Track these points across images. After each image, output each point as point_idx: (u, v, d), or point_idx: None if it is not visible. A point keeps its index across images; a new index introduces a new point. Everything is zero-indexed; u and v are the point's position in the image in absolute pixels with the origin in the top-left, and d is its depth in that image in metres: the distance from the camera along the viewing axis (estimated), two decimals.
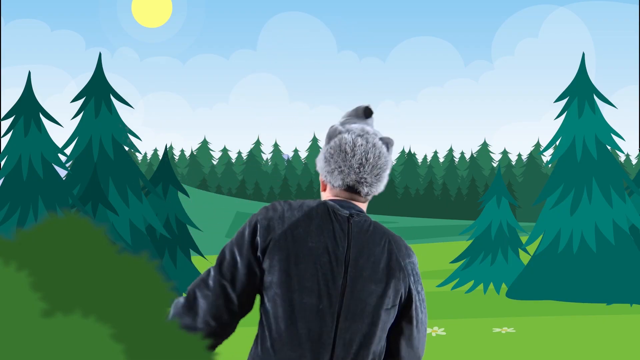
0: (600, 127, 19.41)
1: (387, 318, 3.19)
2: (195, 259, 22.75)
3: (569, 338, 10.41)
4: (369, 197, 3.33)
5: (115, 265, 1.45)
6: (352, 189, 3.26)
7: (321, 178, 3.38)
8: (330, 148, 3.29)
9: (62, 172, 18.95)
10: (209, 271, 3.21)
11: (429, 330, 11.02)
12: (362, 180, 3.25)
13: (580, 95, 19.49)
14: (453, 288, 21.06)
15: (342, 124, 3.37)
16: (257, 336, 3.16)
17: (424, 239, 49.09)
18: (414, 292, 3.24)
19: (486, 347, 9.69)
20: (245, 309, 3.18)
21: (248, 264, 3.15)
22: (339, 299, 3.13)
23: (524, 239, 21.41)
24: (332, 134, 3.31)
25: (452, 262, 22.00)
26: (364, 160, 3.25)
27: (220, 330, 3.16)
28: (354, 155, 3.25)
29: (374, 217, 3.43)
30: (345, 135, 3.28)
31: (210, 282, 3.18)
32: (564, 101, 19.64)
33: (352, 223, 3.21)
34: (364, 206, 3.33)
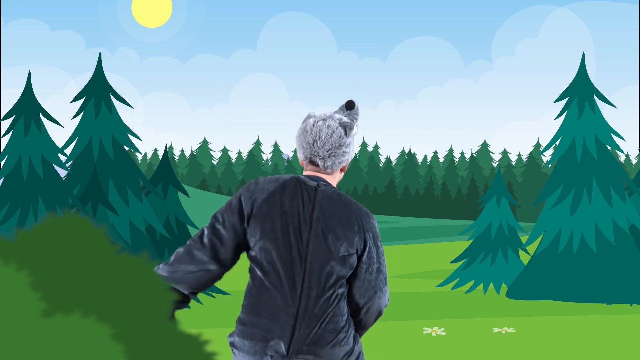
0: (600, 127, 19.41)
1: (345, 264, 4.04)
2: None
3: (569, 338, 10.40)
4: (330, 171, 4.18)
5: (115, 266, 1.45)
6: (313, 163, 4.17)
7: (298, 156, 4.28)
8: (299, 129, 4.22)
9: (62, 172, 18.95)
10: (203, 231, 4.08)
11: (428, 330, 11.02)
12: (316, 154, 4.13)
13: (580, 95, 19.49)
14: (453, 288, 21.06)
15: (324, 114, 4.25)
16: (252, 277, 4.04)
17: (424, 239, 49.09)
18: (370, 244, 4.10)
19: (486, 347, 9.68)
20: (232, 262, 4.08)
21: (234, 227, 4.05)
22: (305, 250, 4.01)
23: (524, 239, 21.41)
24: (304, 120, 4.24)
25: (452, 262, 22.00)
26: (317, 138, 4.13)
27: (211, 279, 4.07)
28: (310, 134, 4.15)
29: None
30: (310, 119, 4.19)
31: (205, 240, 4.05)
32: (564, 101, 19.64)
33: (318, 191, 4.10)
34: (330, 179, 4.20)
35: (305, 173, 4.21)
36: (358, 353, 4.14)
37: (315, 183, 4.12)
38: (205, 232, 4.06)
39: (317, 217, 4.05)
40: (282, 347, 3.95)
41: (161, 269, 4.05)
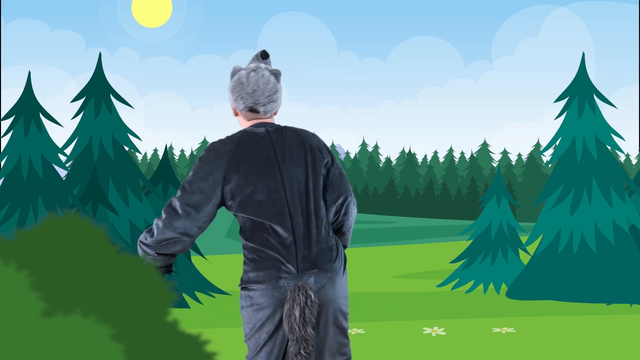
0: (600, 127, 19.41)
1: (317, 184, 4.62)
2: (195, 258, 22.75)
3: (569, 338, 10.41)
4: (269, 114, 4.69)
5: (115, 266, 1.45)
6: (254, 110, 4.66)
7: (231, 106, 4.73)
8: (233, 82, 4.68)
9: (62, 172, 18.95)
10: (173, 201, 4.58)
11: (428, 330, 11.03)
12: (257, 102, 4.64)
13: (580, 95, 19.49)
14: (453, 288, 21.07)
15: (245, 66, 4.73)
16: (250, 228, 4.54)
17: (424, 239, 49.08)
18: (327, 158, 4.68)
19: (486, 347, 9.68)
20: (207, 225, 4.63)
21: (207, 192, 4.55)
22: (283, 188, 4.55)
23: (524, 239, 21.40)
24: (233, 73, 4.70)
25: (452, 262, 22.01)
26: (256, 87, 4.62)
27: (190, 241, 4.61)
28: (248, 85, 4.63)
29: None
30: (242, 71, 4.67)
31: (180, 210, 4.56)
32: (564, 101, 19.63)
33: (270, 134, 4.62)
34: (270, 120, 4.71)
35: (248, 124, 4.70)
36: (344, 265, 4.70)
37: (264, 128, 4.64)
38: (178, 203, 4.58)
39: (281, 156, 4.59)
40: (292, 269, 4.49)
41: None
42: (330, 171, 4.68)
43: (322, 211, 4.62)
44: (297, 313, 4.47)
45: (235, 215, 4.60)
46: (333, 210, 4.67)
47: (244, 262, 4.62)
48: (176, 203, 4.56)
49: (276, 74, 4.71)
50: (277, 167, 4.56)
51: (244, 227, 4.59)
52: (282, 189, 4.56)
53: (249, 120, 4.67)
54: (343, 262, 4.66)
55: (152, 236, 4.58)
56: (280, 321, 4.54)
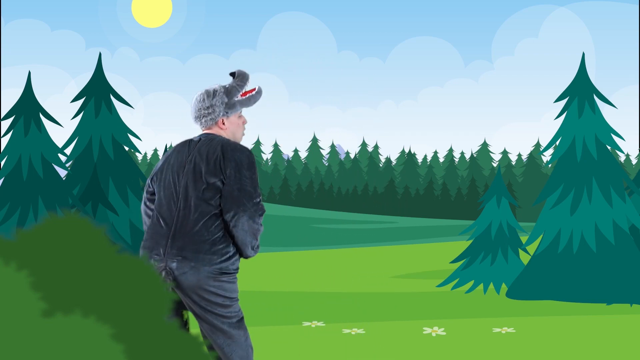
0: (600, 127, 19.41)
1: (208, 189, 5.38)
2: None
3: (569, 338, 10.41)
4: (207, 126, 5.60)
5: (115, 266, 1.45)
6: (198, 123, 5.64)
7: None
8: None
9: (62, 172, 18.95)
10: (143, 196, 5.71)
11: (428, 330, 11.03)
12: (195, 116, 5.63)
13: (580, 95, 19.49)
14: (453, 288, 21.06)
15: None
16: (151, 217, 5.57)
17: (424, 239, 49.07)
18: (231, 171, 5.33)
19: (486, 347, 9.68)
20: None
21: (149, 193, 5.66)
22: (178, 187, 5.43)
23: (524, 239, 21.41)
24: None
25: (452, 262, 22.00)
26: (193, 105, 5.62)
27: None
28: (191, 104, 5.66)
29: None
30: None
31: (144, 202, 5.73)
32: (564, 101, 19.63)
33: (198, 142, 5.50)
34: (216, 132, 5.60)
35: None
36: (229, 268, 5.40)
37: (199, 138, 5.54)
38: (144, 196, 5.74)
39: (190, 159, 5.43)
40: (160, 252, 5.34)
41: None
42: (225, 185, 5.35)
43: (208, 215, 5.35)
44: None
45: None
46: (226, 217, 5.35)
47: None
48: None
49: (208, 91, 5.62)
50: (183, 171, 5.47)
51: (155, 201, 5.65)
52: (178, 190, 5.47)
53: (201, 130, 5.65)
54: (223, 259, 5.33)
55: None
56: None
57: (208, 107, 5.55)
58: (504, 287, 20.70)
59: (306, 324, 13.14)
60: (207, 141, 5.46)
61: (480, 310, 17.03)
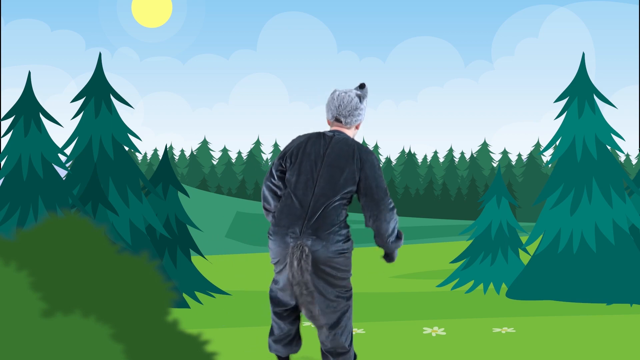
0: (600, 127, 19.40)
1: (346, 185, 6.26)
2: (195, 259, 22.75)
3: (569, 338, 10.41)
4: (349, 126, 6.50)
5: (115, 265, 1.45)
6: (338, 120, 6.48)
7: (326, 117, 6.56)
8: (328, 99, 6.52)
9: (62, 172, 18.94)
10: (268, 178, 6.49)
11: (428, 330, 11.03)
12: (340, 114, 6.46)
13: (580, 95, 19.48)
14: (453, 288, 21.06)
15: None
16: (284, 195, 6.37)
17: (424, 239, 49.05)
18: (367, 170, 6.28)
19: (486, 347, 9.68)
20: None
21: (279, 171, 6.41)
22: (317, 175, 6.26)
23: (524, 239, 21.42)
24: (331, 94, 6.53)
25: (452, 262, 22.00)
26: (341, 102, 6.45)
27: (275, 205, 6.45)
28: (336, 100, 6.47)
29: (373, 154, 6.38)
30: (336, 92, 6.51)
31: (271, 178, 6.47)
32: (564, 101, 19.62)
33: (333, 138, 6.38)
34: (348, 132, 6.49)
35: (330, 129, 6.47)
36: (347, 248, 6.33)
37: (332, 134, 6.39)
38: (271, 178, 6.46)
39: (328, 154, 6.29)
40: (297, 230, 6.19)
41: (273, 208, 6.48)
42: (363, 181, 6.29)
43: (340, 205, 6.24)
44: (295, 263, 6.18)
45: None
46: (366, 213, 6.35)
47: (277, 207, 6.52)
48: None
49: (360, 96, 6.55)
50: (321, 162, 6.27)
51: (285, 189, 6.55)
52: (316, 178, 6.26)
53: (332, 126, 6.49)
54: (342, 241, 6.26)
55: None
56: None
57: (358, 109, 6.47)
58: (504, 287, 20.69)
59: (306, 324, 13.13)
60: (342, 139, 6.35)
61: (480, 310, 17.04)
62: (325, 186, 6.21)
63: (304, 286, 6.19)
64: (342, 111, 6.40)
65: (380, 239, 6.56)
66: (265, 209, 6.52)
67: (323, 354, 6.82)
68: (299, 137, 6.42)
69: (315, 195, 6.21)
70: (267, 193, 6.45)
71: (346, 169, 6.23)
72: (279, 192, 6.42)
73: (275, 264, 6.46)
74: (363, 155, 6.29)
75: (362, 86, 6.50)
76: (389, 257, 7.01)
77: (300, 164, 6.26)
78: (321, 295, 6.38)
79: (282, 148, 6.57)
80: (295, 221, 6.21)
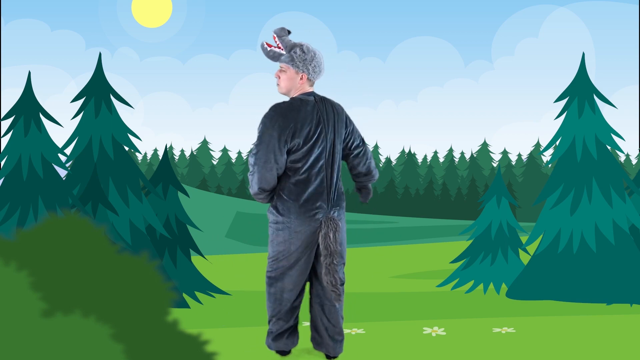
0: (600, 127, 19.40)
1: (343, 148, 6.58)
2: (195, 259, 22.74)
3: (569, 338, 10.41)
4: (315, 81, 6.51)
5: (115, 265, 1.45)
6: (311, 81, 6.55)
7: (297, 71, 6.61)
8: (310, 54, 6.63)
9: (62, 172, 18.93)
10: (254, 156, 6.41)
11: (428, 330, 11.04)
12: (317, 77, 6.64)
13: (580, 95, 19.49)
14: (453, 288, 21.06)
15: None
16: (293, 171, 6.40)
17: (424, 239, 49.05)
18: (351, 127, 6.59)
19: (486, 347, 9.69)
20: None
21: (279, 148, 6.34)
22: (329, 146, 6.40)
23: (524, 239, 21.41)
24: (306, 48, 6.66)
25: (452, 262, 22.00)
26: (322, 62, 6.64)
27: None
28: (322, 65, 6.66)
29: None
30: (317, 54, 6.71)
31: (274, 158, 6.38)
32: (564, 101, 19.62)
33: (318, 102, 6.46)
34: (313, 88, 6.57)
35: (300, 91, 6.59)
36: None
37: (312, 97, 6.48)
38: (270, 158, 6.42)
39: (326, 118, 6.40)
40: (325, 206, 6.41)
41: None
42: (354, 135, 6.60)
43: (339, 166, 6.48)
44: (331, 235, 6.37)
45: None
46: (364, 167, 6.69)
47: (288, 186, 6.57)
48: None
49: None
50: (325, 130, 6.37)
51: (291, 166, 6.67)
52: (330, 150, 6.44)
53: (303, 88, 6.54)
54: (345, 203, 6.58)
55: None
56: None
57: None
58: (504, 287, 20.68)
59: (306, 324, 13.13)
60: (324, 99, 6.52)
61: (480, 310, 17.04)
62: (335, 154, 6.45)
63: (337, 256, 6.42)
64: (322, 71, 6.58)
65: (370, 177, 6.79)
66: (264, 190, 6.47)
67: (319, 344, 7.08)
68: (282, 107, 6.43)
69: (331, 166, 6.42)
70: (270, 174, 6.40)
71: (342, 133, 6.52)
72: (281, 172, 6.47)
73: (287, 257, 6.54)
74: (346, 113, 6.56)
75: (289, 32, 6.59)
76: (368, 192, 6.94)
77: (311, 138, 6.32)
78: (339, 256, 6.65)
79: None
80: (322, 197, 6.41)
